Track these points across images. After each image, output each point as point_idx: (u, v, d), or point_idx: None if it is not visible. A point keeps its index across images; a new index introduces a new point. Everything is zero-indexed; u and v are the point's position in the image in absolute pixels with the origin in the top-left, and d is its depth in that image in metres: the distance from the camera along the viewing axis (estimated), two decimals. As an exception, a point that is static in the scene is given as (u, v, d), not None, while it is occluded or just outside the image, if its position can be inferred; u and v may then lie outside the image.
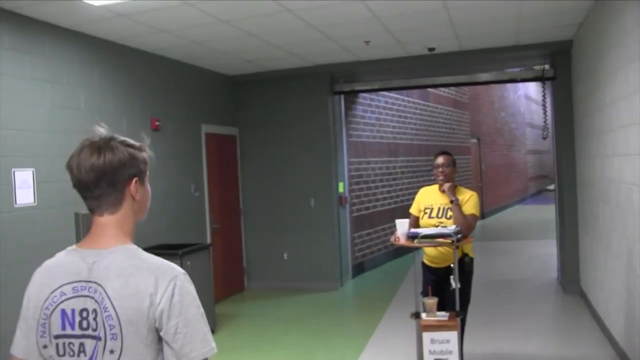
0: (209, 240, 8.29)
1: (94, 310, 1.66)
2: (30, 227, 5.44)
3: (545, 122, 8.79)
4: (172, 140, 7.68)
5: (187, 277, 1.74)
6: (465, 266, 4.77)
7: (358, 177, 10.40)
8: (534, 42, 7.82)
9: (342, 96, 9.66)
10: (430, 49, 7.78)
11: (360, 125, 10.53)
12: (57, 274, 1.75)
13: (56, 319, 1.70)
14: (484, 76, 8.68)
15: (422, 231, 4.55)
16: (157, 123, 7.32)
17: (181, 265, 6.41)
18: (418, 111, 13.13)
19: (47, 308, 1.71)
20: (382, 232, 11.16)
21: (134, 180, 1.81)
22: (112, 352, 1.64)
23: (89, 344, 1.66)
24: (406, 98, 12.43)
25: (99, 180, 1.74)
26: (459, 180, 15.63)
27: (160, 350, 1.69)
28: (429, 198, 5.06)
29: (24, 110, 5.46)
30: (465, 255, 4.80)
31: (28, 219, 5.41)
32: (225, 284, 8.83)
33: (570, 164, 7.95)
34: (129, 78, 6.93)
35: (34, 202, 5.47)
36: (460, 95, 16.01)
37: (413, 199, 5.20)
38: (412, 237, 4.58)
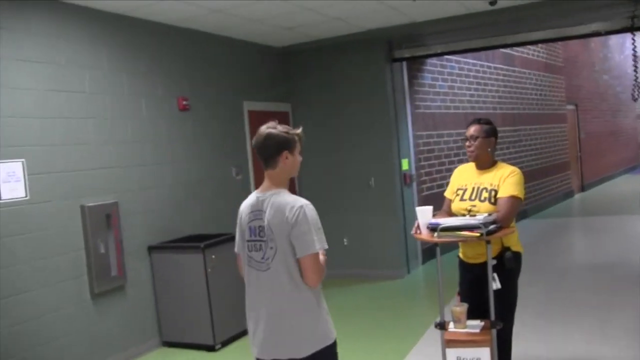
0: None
1: (262, 226, 2.89)
2: (23, 223, 4.94)
3: (636, 79, 7.43)
4: (205, 120, 7.04)
5: (309, 207, 2.83)
6: (506, 262, 3.80)
7: (428, 152, 9.41)
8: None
9: (404, 64, 8.69)
10: (492, 3, 6.69)
11: (429, 95, 9.52)
12: (248, 206, 3.00)
13: (248, 231, 2.97)
14: (560, 31, 7.42)
15: (443, 222, 3.64)
16: (184, 103, 6.69)
17: (204, 259, 5.82)
18: (501, 77, 11.88)
19: (244, 224, 3.00)
20: (459, 211, 10.10)
21: (284, 152, 2.90)
22: (271, 248, 2.85)
23: (262, 245, 2.89)
24: (485, 63, 11.24)
25: (264, 152, 2.91)
26: (554, 152, 14.45)
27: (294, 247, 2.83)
28: (463, 177, 4.14)
29: (10, 95, 4.91)
30: (506, 249, 3.83)
31: (19, 215, 4.90)
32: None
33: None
34: (146, 55, 6.30)
35: (26, 195, 4.95)
36: (553, 58, 14.50)
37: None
38: (432, 229, 3.68)
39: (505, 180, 3.85)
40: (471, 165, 4.12)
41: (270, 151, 2.89)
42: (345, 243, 8.61)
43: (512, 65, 12.33)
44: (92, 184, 5.61)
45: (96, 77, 5.73)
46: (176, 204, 6.58)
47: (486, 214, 3.65)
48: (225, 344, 6.06)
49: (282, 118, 8.50)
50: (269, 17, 6.65)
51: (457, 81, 10.31)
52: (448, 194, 4.21)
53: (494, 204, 3.82)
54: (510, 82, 12.27)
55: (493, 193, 3.86)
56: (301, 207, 2.81)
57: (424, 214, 3.83)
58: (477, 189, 3.94)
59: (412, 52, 8.31)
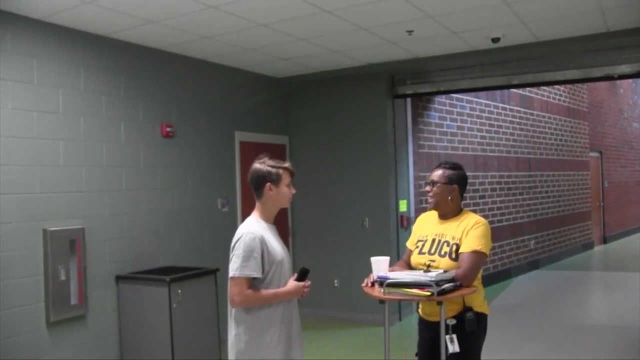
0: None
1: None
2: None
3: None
4: (191, 148, 6.79)
5: (248, 236, 3.18)
6: (467, 324, 3.41)
7: (431, 194, 9.00)
8: (629, 26, 6.12)
9: (408, 100, 8.37)
10: (494, 40, 6.37)
11: (435, 134, 9.17)
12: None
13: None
14: (568, 74, 7.02)
15: (393, 276, 3.28)
16: (168, 129, 6.45)
17: (169, 294, 5.52)
18: (517, 119, 11.46)
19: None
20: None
21: (267, 184, 3.29)
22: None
23: None
24: (500, 104, 10.86)
25: (251, 183, 3.34)
26: (573, 200, 13.86)
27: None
28: (424, 227, 3.77)
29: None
30: (467, 309, 3.45)
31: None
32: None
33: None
34: (128, 79, 6.08)
35: (-16, 217, 4.74)
36: (576, 102, 14.05)
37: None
38: (379, 283, 3.33)
39: (469, 232, 3.48)
40: (434, 214, 3.76)
41: (255, 183, 3.31)
42: (336, 285, 8.23)
43: (529, 108, 11.91)
44: (58, 207, 5.39)
45: (71, 98, 5.52)
46: (153, 233, 6.30)
47: (441, 271, 3.28)
48: (188, 385, 5.72)
49: (279, 151, 8.22)
50: (260, 46, 6.40)
51: (467, 121, 9.95)
52: (409, 243, 3.84)
53: (455, 259, 3.45)
54: (527, 126, 11.84)
55: (454, 247, 3.48)
56: (242, 235, 3.20)
57: (379, 265, 3.48)
58: (438, 242, 3.57)
59: (415, 88, 7.98)
